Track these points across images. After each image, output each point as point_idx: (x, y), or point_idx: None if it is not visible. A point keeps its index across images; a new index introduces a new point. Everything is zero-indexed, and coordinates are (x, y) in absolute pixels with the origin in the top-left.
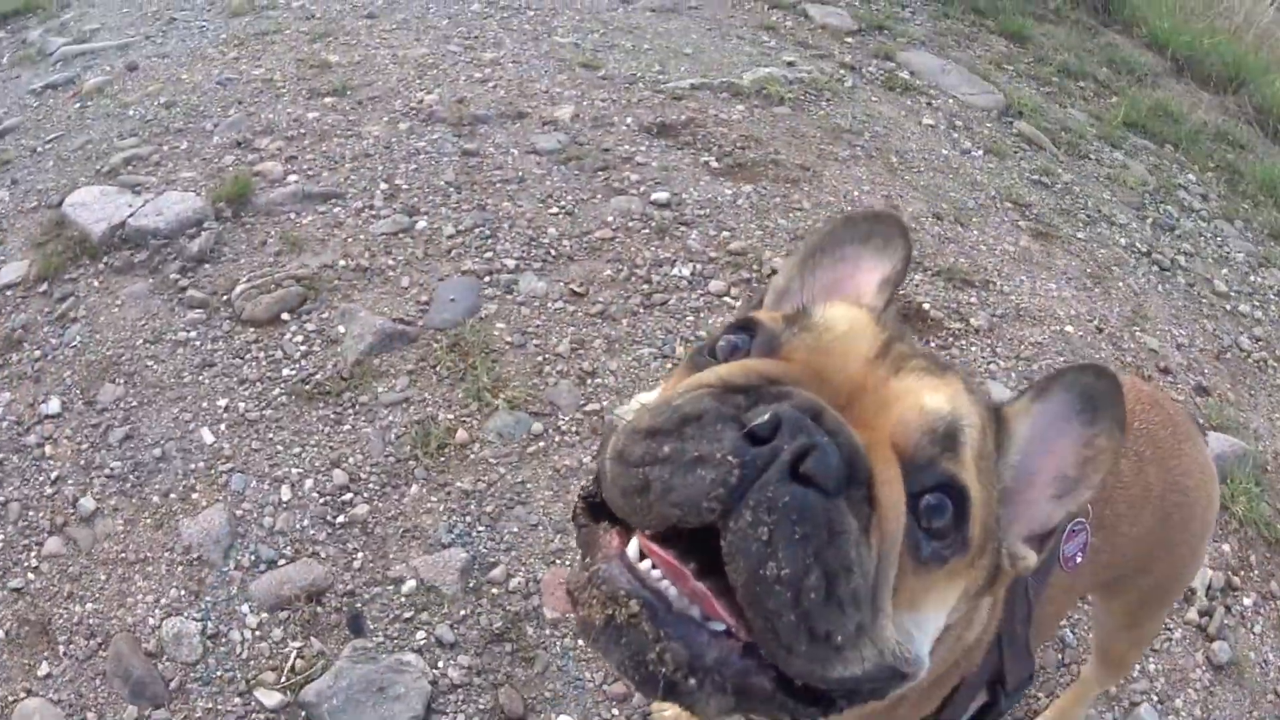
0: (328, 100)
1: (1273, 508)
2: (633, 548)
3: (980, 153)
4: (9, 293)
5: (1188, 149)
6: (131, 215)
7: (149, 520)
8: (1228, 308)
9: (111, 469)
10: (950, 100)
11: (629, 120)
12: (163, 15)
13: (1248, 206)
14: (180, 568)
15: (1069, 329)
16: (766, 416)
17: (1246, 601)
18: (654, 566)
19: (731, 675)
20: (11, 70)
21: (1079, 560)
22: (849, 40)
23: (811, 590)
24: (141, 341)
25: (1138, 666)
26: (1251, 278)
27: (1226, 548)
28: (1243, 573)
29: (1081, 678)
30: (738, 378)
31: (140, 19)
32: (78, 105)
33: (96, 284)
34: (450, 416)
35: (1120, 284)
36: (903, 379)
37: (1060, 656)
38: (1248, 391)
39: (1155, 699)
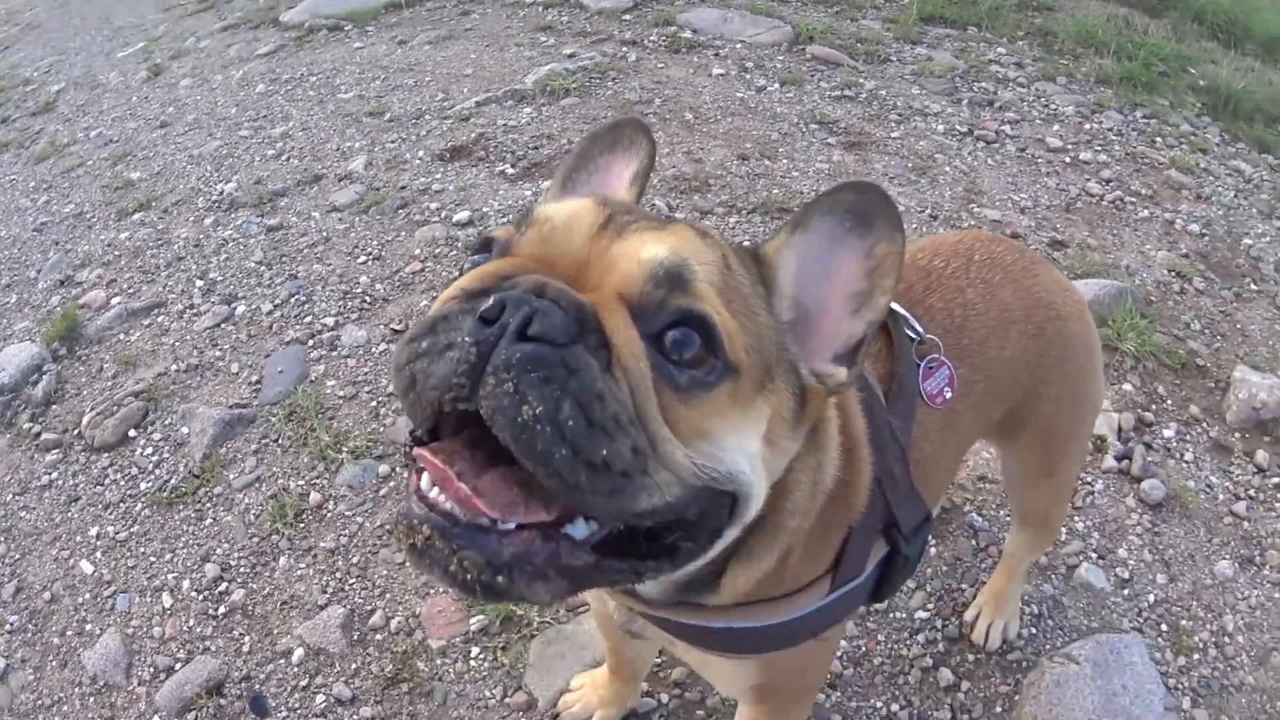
0: (135, 217)
1: (1168, 334)
2: (425, 481)
3: (776, 86)
4: None
5: (992, 25)
6: None
7: (54, 662)
8: (1067, 160)
9: (10, 623)
10: (738, 45)
11: (420, 153)
12: None
13: (1068, 62)
14: (91, 698)
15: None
16: (491, 301)
17: (1167, 433)
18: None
19: (544, 562)
20: None
21: (949, 395)
22: (627, 18)
23: (569, 419)
24: (11, 495)
25: (1064, 529)
26: (1086, 125)
27: (1128, 387)
28: (1154, 406)
29: (1006, 552)
30: (474, 283)
31: None
32: None
33: None
34: (301, 483)
35: (947, 169)
36: (624, 241)
37: (974, 542)
38: (1110, 233)
39: (1094, 556)
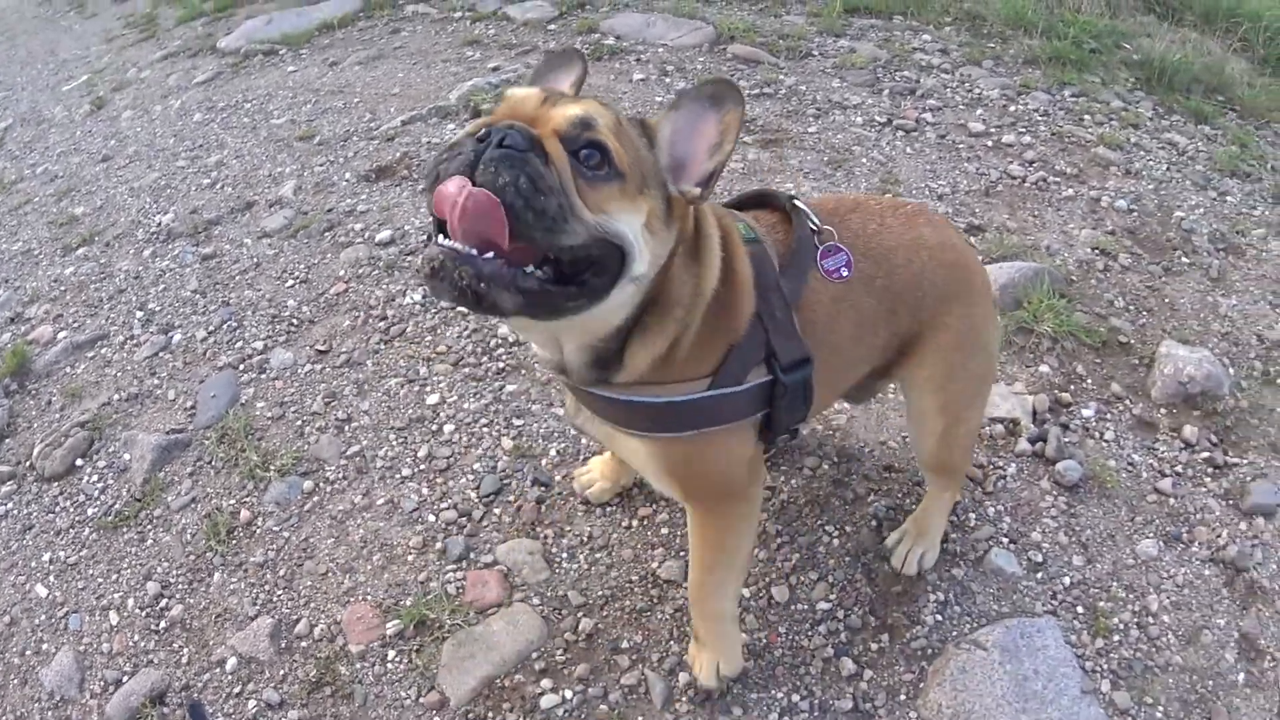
0: (80, 252)
1: (1090, 312)
2: (441, 238)
3: (681, 87)
4: None
5: (918, 12)
6: None
7: (16, 680)
8: (989, 144)
9: None
10: (660, 49)
11: (347, 175)
12: None
13: (995, 46)
14: (49, 712)
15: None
16: (484, 130)
17: (1087, 413)
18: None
19: (508, 279)
20: None
21: (845, 274)
22: (552, 28)
23: (524, 183)
24: None
25: (974, 515)
26: (1011, 108)
27: (1045, 369)
28: (1072, 387)
29: (932, 487)
30: (474, 129)
31: None
32: None
33: None
34: (233, 502)
35: (864, 160)
36: (558, 107)
37: (879, 534)
38: (1031, 215)
39: (1005, 540)
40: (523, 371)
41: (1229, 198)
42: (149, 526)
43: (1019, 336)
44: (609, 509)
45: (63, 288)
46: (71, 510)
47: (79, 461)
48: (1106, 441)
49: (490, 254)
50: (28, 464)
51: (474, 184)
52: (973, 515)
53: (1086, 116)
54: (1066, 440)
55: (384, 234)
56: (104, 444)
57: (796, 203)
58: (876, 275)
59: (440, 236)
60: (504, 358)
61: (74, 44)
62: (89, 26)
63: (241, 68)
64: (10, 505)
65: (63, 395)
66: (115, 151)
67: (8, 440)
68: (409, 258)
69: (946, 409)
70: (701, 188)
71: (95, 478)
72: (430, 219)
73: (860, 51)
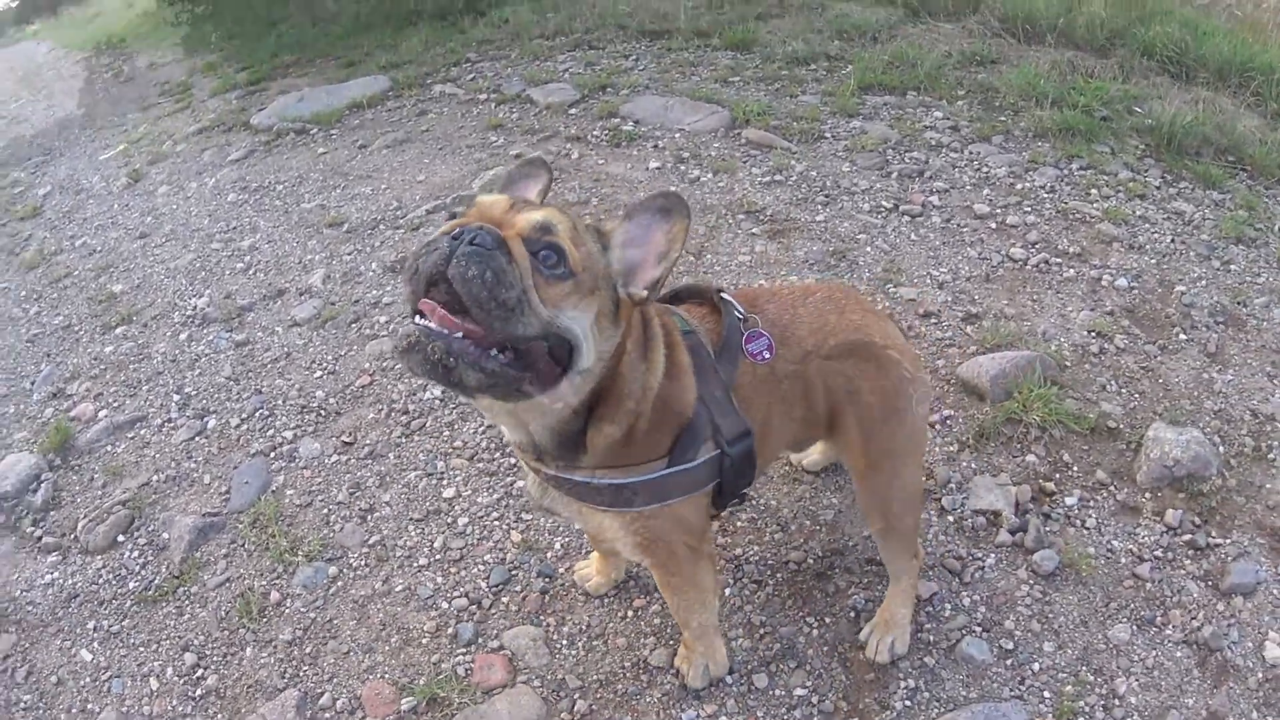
0: (119, 330)
1: (1080, 398)
2: (418, 318)
3: (709, 175)
4: None
5: (932, 87)
6: None
7: None
8: (993, 226)
9: (24, 702)
10: (676, 135)
11: (374, 266)
12: None
13: (1006, 119)
14: None
15: None
16: (457, 230)
17: (1070, 501)
18: (424, 318)
19: (474, 357)
20: None
21: (767, 356)
22: (573, 111)
23: (488, 274)
24: (19, 592)
25: (949, 604)
26: (1018, 185)
27: (1031, 458)
28: (1058, 475)
29: (891, 576)
30: (448, 228)
31: None
32: None
33: None
34: (264, 583)
35: (868, 249)
36: (522, 213)
37: (856, 625)
38: (1030, 299)
39: (978, 629)
40: None
41: (1233, 266)
42: (186, 602)
43: (1007, 427)
44: (607, 600)
45: (103, 366)
46: (114, 583)
47: (120, 537)
48: (1087, 529)
49: (460, 334)
50: (72, 536)
51: (448, 275)
52: (948, 605)
53: (1093, 190)
54: (1047, 530)
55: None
56: (144, 522)
57: (724, 295)
58: (791, 358)
59: (417, 317)
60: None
61: (110, 109)
62: (125, 91)
63: (274, 146)
64: (56, 574)
65: (104, 473)
66: (152, 229)
67: (53, 513)
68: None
69: (873, 468)
70: (649, 291)
71: (136, 553)
72: (408, 305)
73: (871, 132)
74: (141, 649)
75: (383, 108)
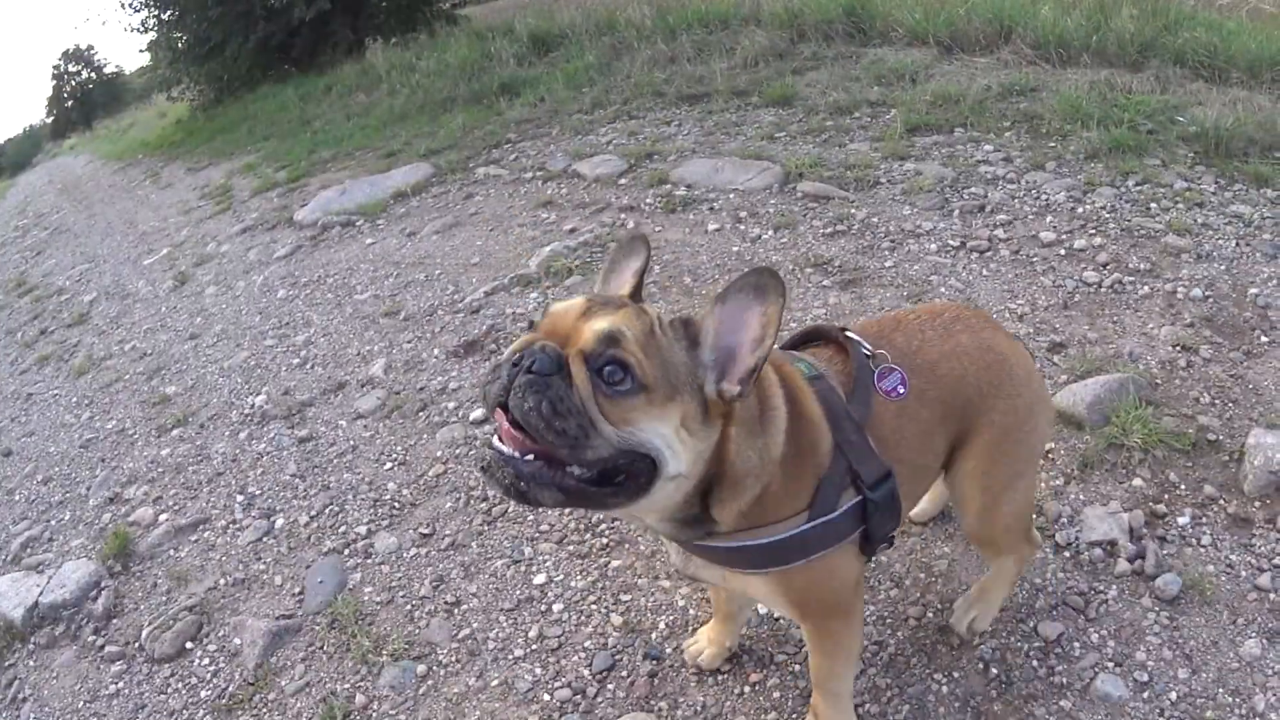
0: (175, 433)
1: (1176, 414)
2: (494, 440)
3: (770, 233)
4: None
5: (977, 121)
6: (41, 594)
7: None
8: (1061, 253)
9: None
10: (731, 195)
11: (436, 352)
12: (20, 394)
13: (1056, 144)
14: None
15: None
16: (518, 355)
17: (1182, 521)
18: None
19: (547, 478)
20: None
21: (902, 391)
22: (623, 182)
23: (545, 405)
24: (82, 704)
25: (1077, 642)
26: (1079, 209)
27: (1138, 481)
28: (1166, 497)
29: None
30: (514, 350)
31: (2, 402)
32: None
33: (32, 663)
34: (347, 686)
35: (942, 289)
36: (592, 319)
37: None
38: (1110, 321)
39: (1110, 665)
40: (626, 546)
41: None
42: (264, 710)
43: (1109, 453)
44: (721, 676)
45: (160, 469)
46: (184, 692)
47: (189, 644)
48: (1204, 547)
49: (531, 455)
50: (136, 645)
51: (508, 409)
52: (1077, 644)
53: (1153, 204)
54: (1164, 553)
55: (478, 412)
56: (213, 628)
57: (848, 333)
58: (927, 388)
59: (496, 439)
60: (607, 533)
61: (152, 215)
62: (165, 197)
63: (320, 240)
64: (121, 684)
65: (168, 578)
66: (202, 329)
67: (115, 620)
68: None
69: (987, 491)
70: (742, 385)
71: (206, 660)
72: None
73: (926, 173)
74: None
75: (428, 194)
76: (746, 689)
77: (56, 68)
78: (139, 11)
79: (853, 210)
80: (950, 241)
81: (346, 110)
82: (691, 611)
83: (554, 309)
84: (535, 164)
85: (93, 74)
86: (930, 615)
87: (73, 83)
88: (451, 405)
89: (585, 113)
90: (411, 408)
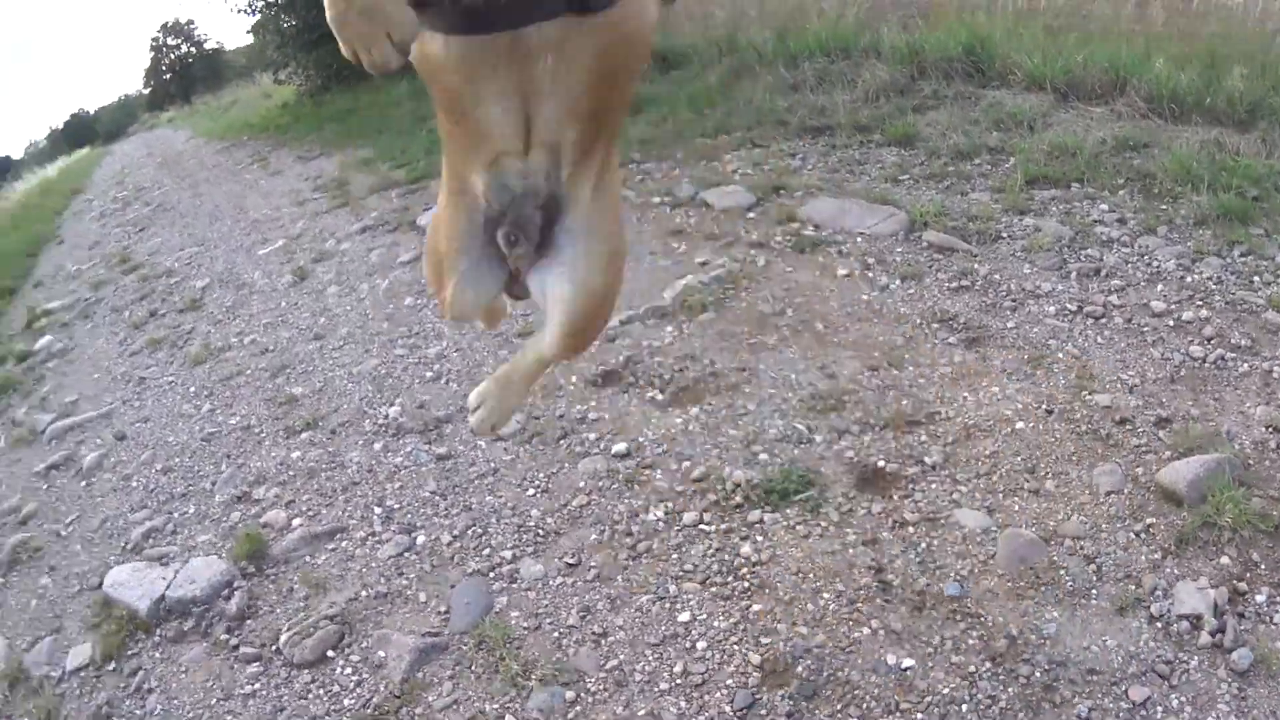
0: (304, 435)
1: (1264, 496)
2: None
3: (897, 282)
4: (83, 674)
5: (1093, 177)
6: (168, 588)
7: None
8: (1170, 324)
9: None
10: (858, 239)
11: (574, 378)
12: (132, 377)
13: (1168, 207)
14: None
15: (1019, 425)
16: None
17: (1259, 599)
18: None
19: None
20: (13, 454)
21: None
22: (751, 215)
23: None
24: (215, 700)
25: (1159, 707)
26: (1188, 279)
27: (1225, 560)
28: (1248, 575)
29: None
30: None
31: (112, 383)
32: (83, 484)
33: (158, 655)
34: (495, 706)
35: (1060, 355)
36: None
37: None
38: (1212, 398)
39: None
40: (766, 590)
41: None
42: None
43: (1203, 531)
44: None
45: (291, 472)
46: (326, 698)
47: (330, 653)
48: (1275, 625)
49: None
50: (274, 648)
51: None
52: (1159, 708)
53: (1255, 278)
54: (1241, 628)
55: (619, 446)
56: (355, 638)
57: None
58: None
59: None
60: (748, 577)
61: (262, 202)
62: (275, 184)
63: None
64: (258, 685)
65: (305, 584)
66: (326, 330)
67: (250, 622)
68: (647, 470)
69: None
70: None
71: (349, 670)
72: None
73: (1045, 230)
74: None
75: None
76: None
77: (155, 40)
78: None
79: (976, 265)
80: (1068, 305)
81: None
82: (827, 657)
83: None
84: (662, 188)
85: (192, 48)
86: (1037, 674)
87: (171, 55)
88: (592, 436)
89: (709, 137)
90: (552, 435)
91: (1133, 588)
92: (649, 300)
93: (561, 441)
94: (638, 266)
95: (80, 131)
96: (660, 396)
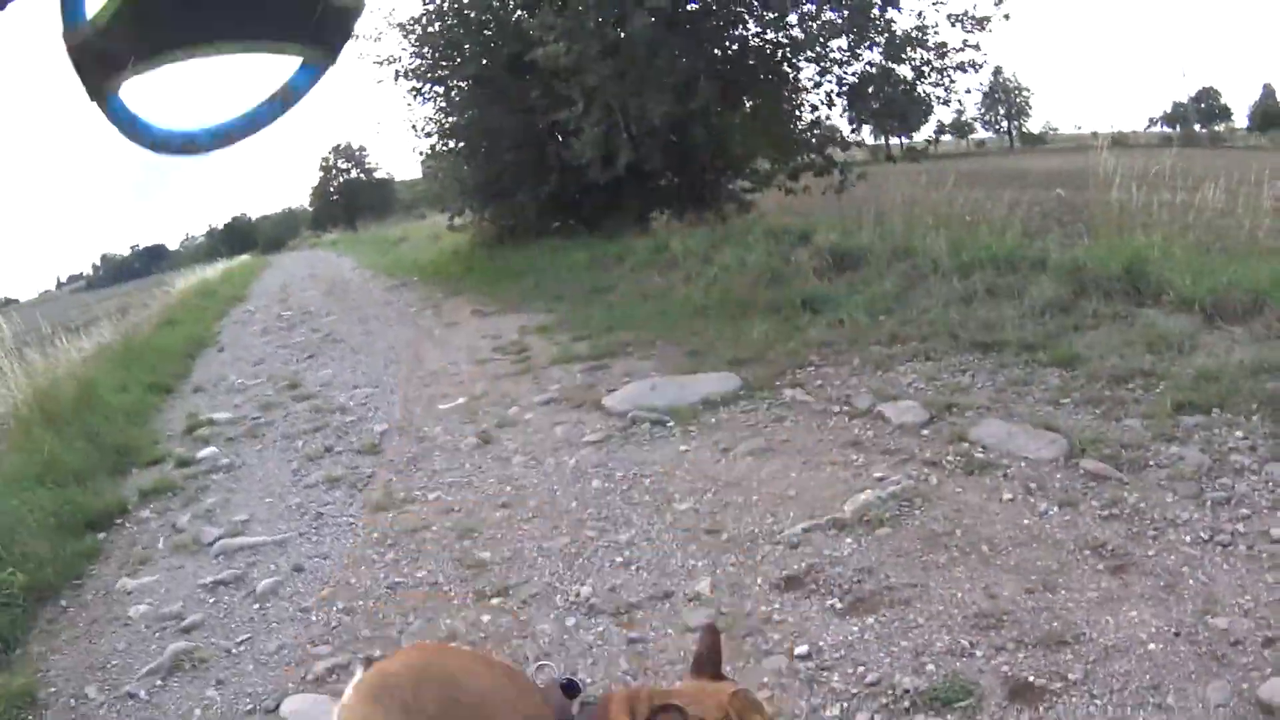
0: (494, 601)
1: None
2: None
3: (1055, 509)
4: None
5: (1231, 403)
6: None
7: None
8: None
9: None
10: (1022, 463)
11: (759, 580)
12: (308, 509)
13: None
14: None
15: (1151, 647)
16: None
17: None
18: None
19: None
20: (173, 559)
21: None
22: (925, 433)
23: None
24: None
25: None
26: None
27: None
28: None
29: None
30: None
31: (286, 512)
32: (255, 606)
33: None
34: None
35: (1190, 581)
36: None
37: None
38: None
39: None
40: None
41: None
42: None
43: None
44: None
45: (482, 634)
46: None
47: None
48: None
49: None
50: None
51: None
52: None
53: None
54: None
55: (801, 648)
56: None
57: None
58: None
59: None
60: None
61: (439, 354)
62: (451, 336)
63: (630, 434)
64: None
65: None
66: (514, 500)
67: None
68: (825, 672)
69: None
70: None
71: None
72: None
73: (1188, 459)
74: None
75: (736, 407)
76: None
77: (325, 160)
78: (429, 137)
79: (1125, 494)
80: (1201, 534)
81: (641, 289)
82: None
83: None
84: (840, 396)
85: (362, 174)
86: None
87: (340, 178)
88: (776, 636)
89: (884, 345)
90: (738, 631)
91: None
92: (829, 511)
93: (747, 639)
94: (818, 474)
95: (240, 236)
96: (839, 605)
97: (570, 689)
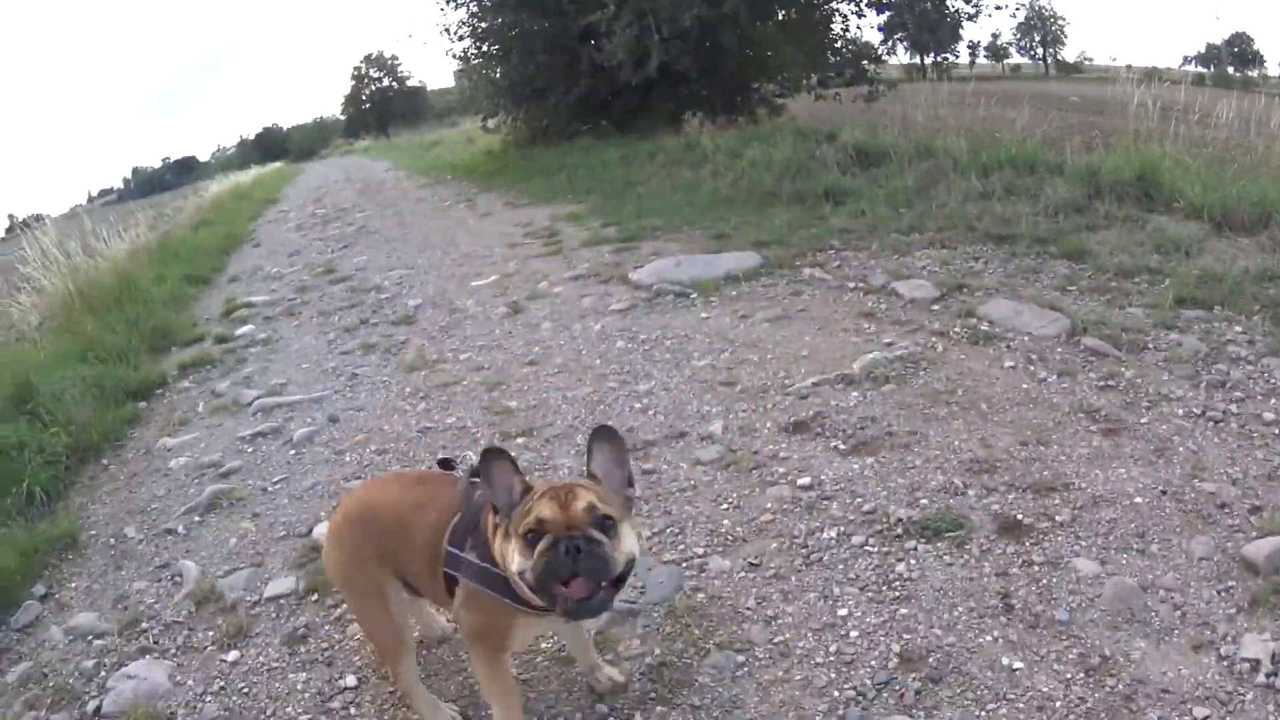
0: (519, 440)
1: None
2: (570, 595)
3: (1054, 377)
4: (282, 601)
5: (1233, 302)
6: None
7: None
8: (1276, 432)
9: (410, 717)
10: (1025, 338)
11: (769, 424)
12: (344, 372)
13: None
14: None
15: (1138, 500)
16: (564, 547)
17: None
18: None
19: (611, 596)
20: (212, 419)
21: None
22: (935, 308)
23: (599, 562)
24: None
25: None
26: None
27: None
28: None
29: None
30: (548, 546)
31: (323, 375)
32: (292, 452)
33: None
34: (676, 659)
35: (1180, 449)
36: (574, 502)
37: None
38: None
39: None
40: (912, 600)
41: None
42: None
43: (1273, 596)
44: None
45: None
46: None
47: None
48: None
49: (598, 589)
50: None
51: (576, 575)
52: None
53: None
54: None
55: (804, 480)
56: None
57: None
58: None
59: (568, 592)
60: (899, 588)
61: (472, 240)
62: (484, 225)
63: (655, 304)
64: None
65: None
66: (541, 358)
67: None
68: (825, 501)
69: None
70: (632, 490)
71: None
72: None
73: (1185, 345)
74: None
75: (757, 282)
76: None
77: (358, 69)
78: (462, 40)
79: (1122, 369)
80: (1194, 410)
81: (672, 182)
82: (954, 654)
83: (549, 518)
84: (857, 275)
85: (394, 83)
86: (1120, 687)
87: (372, 87)
88: (781, 470)
89: (902, 233)
90: (746, 465)
91: (1208, 632)
92: (839, 368)
93: (754, 471)
94: (831, 339)
95: (272, 145)
96: (842, 446)
97: (445, 464)
